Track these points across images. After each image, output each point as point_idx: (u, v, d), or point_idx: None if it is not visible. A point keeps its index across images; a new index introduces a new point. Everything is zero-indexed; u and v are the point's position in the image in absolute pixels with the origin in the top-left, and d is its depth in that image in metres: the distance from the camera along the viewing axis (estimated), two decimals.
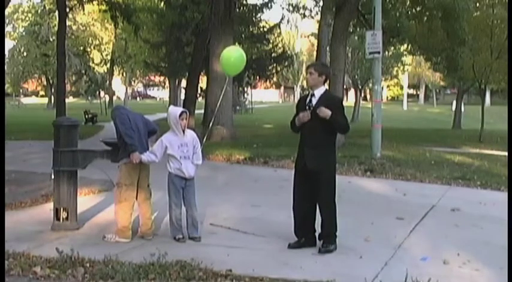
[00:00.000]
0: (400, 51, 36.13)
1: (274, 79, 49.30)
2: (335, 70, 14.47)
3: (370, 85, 27.53)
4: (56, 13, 25.09)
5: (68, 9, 22.80)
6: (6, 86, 50.98)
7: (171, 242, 5.41)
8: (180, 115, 5.48)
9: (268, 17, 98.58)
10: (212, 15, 17.45)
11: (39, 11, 48.93)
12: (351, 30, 21.40)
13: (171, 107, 5.75)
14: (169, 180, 5.55)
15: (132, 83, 60.63)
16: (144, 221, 5.60)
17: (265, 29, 30.32)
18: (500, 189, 8.94)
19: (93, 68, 48.79)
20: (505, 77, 20.29)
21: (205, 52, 21.37)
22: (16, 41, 51.36)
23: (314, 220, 5.32)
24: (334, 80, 14.52)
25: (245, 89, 44.04)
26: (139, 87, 74.01)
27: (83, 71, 46.46)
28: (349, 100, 54.29)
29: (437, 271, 4.65)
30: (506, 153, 12.83)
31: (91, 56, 50.24)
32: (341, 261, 4.91)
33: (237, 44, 17.78)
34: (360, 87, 40.33)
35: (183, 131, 5.53)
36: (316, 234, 5.31)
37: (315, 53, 30.31)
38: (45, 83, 58.07)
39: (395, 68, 42.08)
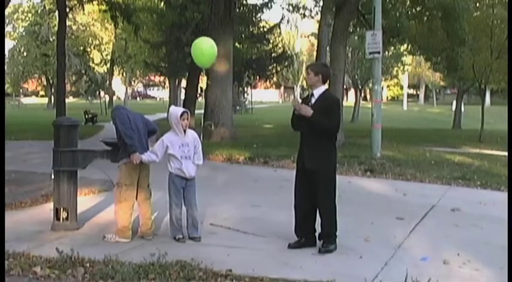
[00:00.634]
0: (400, 51, 36.12)
1: (274, 79, 49.26)
2: (335, 70, 14.47)
3: (370, 85, 27.51)
4: (56, 13, 25.09)
5: (68, 9, 22.79)
6: (6, 86, 50.98)
7: (171, 242, 5.41)
8: (181, 115, 5.49)
9: (268, 17, 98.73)
10: (212, 15, 17.44)
11: (39, 11, 48.92)
12: (351, 30, 21.41)
13: (172, 107, 5.75)
14: (170, 180, 5.55)
15: (132, 83, 60.59)
16: (144, 221, 5.60)
17: (265, 29, 30.25)
18: (500, 189, 8.95)
19: (93, 68, 48.79)
20: (505, 77, 20.29)
21: None
22: (16, 41, 51.36)
23: (314, 220, 5.32)
24: (334, 80, 14.51)
25: (245, 89, 43.97)
26: (140, 87, 74.00)
27: (83, 71, 46.43)
28: (349, 100, 54.35)
29: (437, 271, 4.65)
30: (506, 153, 12.83)
31: (91, 56, 50.23)
32: (341, 261, 4.91)
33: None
34: (360, 87, 40.33)
35: (184, 131, 5.54)
36: (316, 234, 5.31)
37: (315, 53, 30.30)
38: (45, 83, 58.09)
39: (395, 68, 42.07)
